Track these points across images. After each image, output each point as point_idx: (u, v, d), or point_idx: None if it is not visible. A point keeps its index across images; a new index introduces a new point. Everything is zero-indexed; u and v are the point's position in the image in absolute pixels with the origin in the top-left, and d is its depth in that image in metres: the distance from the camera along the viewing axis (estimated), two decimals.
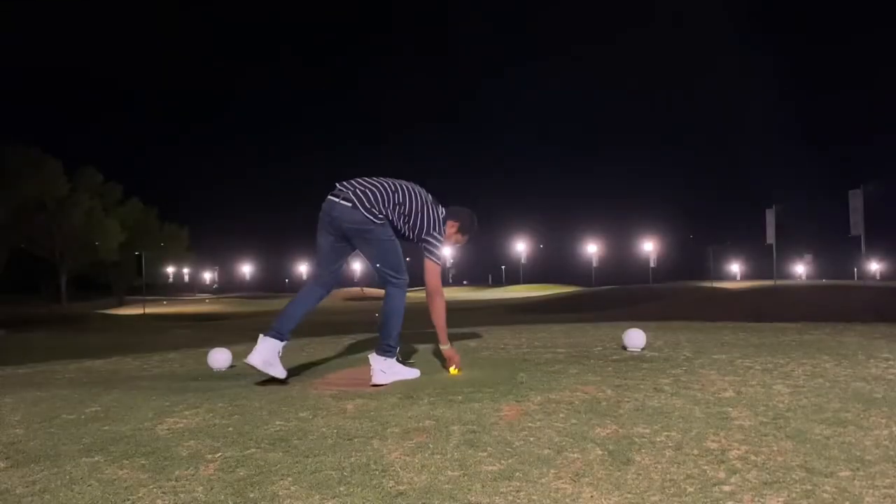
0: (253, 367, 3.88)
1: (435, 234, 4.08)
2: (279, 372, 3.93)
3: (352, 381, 4.01)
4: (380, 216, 3.96)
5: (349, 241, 4.06)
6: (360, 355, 5.00)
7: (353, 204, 3.93)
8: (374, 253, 4.04)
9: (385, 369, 3.90)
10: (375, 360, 3.92)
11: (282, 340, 3.97)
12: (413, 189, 4.11)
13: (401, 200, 4.03)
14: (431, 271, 4.07)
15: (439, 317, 4.12)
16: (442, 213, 4.18)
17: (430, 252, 4.07)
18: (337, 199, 3.99)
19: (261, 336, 3.93)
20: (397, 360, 4.08)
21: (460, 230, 4.21)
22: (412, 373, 4.01)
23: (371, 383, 3.84)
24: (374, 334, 6.50)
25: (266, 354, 3.89)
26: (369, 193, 3.99)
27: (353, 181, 4.08)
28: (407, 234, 4.09)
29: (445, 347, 4.16)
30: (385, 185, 4.05)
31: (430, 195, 4.19)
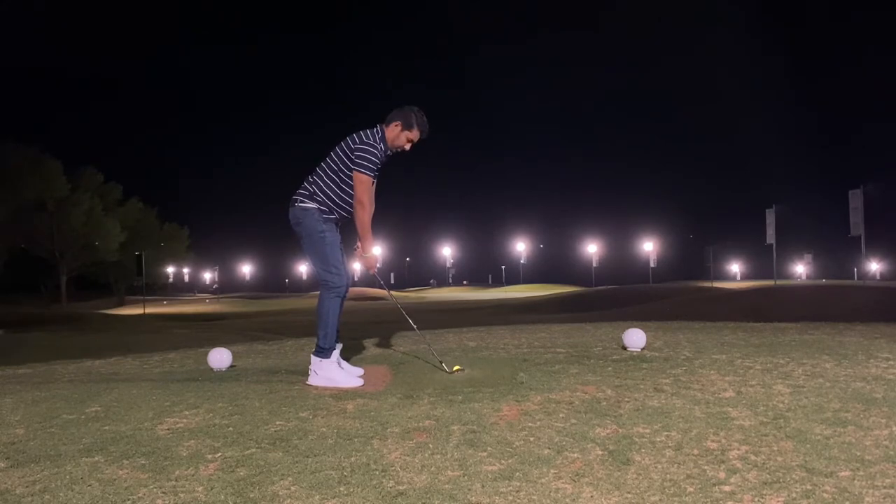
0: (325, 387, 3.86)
1: (365, 146, 3.94)
2: (347, 381, 3.87)
3: None
4: (305, 195, 3.95)
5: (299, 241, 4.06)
6: (360, 355, 4.99)
7: (291, 203, 3.99)
8: (305, 245, 4.00)
9: (317, 370, 3.89)
10: (312, 360, 3.93)
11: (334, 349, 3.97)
12: (341, 143, 4.04)
13: (327, 160, 4.00)
14: (359, 181, 3.92)
15: (360, 225, 3.98)
16: (378, 129, 4.05)
17: (360, 165, 3.91)
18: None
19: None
20: (338, 363, 3.98)
21: (405, 128, 4.04)
22: (350, 381, 3.87)
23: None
24: (374, 335, 6.51)
25: (324, 372, 3.90)
26: (303, 183, 4.02)
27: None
28: (344, 166, 3.96)
29: (367, 255, 4.07)
30: (322, 162, 4.04)
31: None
